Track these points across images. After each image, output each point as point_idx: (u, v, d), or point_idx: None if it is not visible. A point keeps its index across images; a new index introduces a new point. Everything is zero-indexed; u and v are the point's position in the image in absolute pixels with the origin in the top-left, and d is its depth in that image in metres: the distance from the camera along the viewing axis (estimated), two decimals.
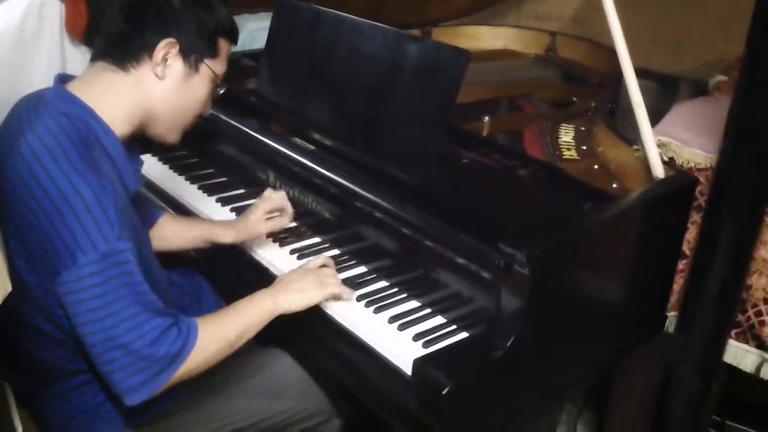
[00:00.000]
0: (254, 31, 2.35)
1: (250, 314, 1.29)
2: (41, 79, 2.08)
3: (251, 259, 1.56)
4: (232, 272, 1.58)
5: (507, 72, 2.27)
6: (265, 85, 1.83)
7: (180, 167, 1.92)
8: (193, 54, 1.28)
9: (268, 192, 1.60)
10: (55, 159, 1.13)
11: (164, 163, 1.95)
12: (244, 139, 1.77)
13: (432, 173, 1.44)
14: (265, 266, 1.54)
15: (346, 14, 1.66)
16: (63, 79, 1.28)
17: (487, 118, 1.87)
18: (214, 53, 1.32)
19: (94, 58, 1.28)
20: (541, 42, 2.49)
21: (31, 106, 1.22)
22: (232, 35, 1.37)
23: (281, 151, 1.66)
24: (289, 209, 1.59)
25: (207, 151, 1.94)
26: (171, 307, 1.22)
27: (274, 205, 1.57)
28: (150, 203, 1.73)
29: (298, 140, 1.66)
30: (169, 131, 1.34)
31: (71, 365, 1.28)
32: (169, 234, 1.58)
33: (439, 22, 2.63)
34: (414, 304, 1.40)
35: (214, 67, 1.32)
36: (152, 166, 1.93)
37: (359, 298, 1.40)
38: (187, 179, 1.87)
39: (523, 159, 1.61)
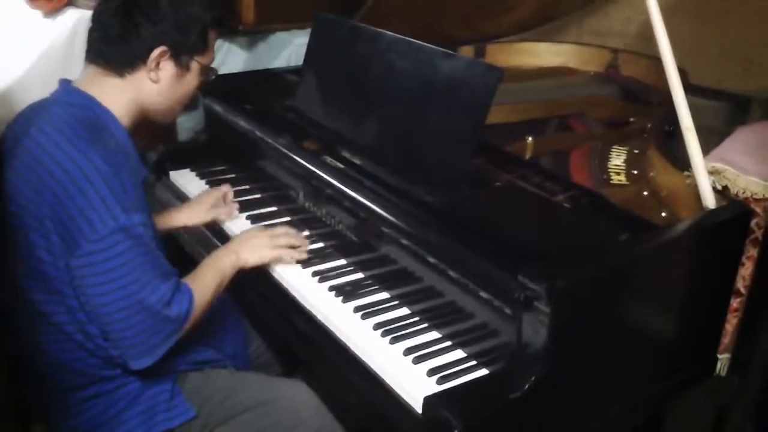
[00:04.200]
0: (301, 47, 2.32)
1: (222, 268, 1.40)
2: None
3: (272, 278, 1.51)
4: (253, 288, 1.54)
5: (561, 90, 2.16)
6: (301, 100, 1.79)
7: (216, 183, 1.89)
8: (183, 55, 1.34)
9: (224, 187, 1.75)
10: (67, 137, 1.20)
11: (201, 178, 1.93)
12: (277, 156, 1.73)
13: (458, 196, 1.36)
14: (285, 287, 1.48)
15: (382, 30, 1.60)
16: (66, 81, 1.34)
17: (530, 138, 1.78)
18: (203, 48, 1.37)
19: (89, 59, 1.32)
20: (601, 59, 2.37)
21: (37, 105, 1.31)
22: (218, 23, 1.41)
23: (310, 169, 1.61)
24: (230, 203, 1.72)
25: (245, 167, 1.92)
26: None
27: (219, 193, 1.72)
28: None
29: (328, 158, 1.61)
30: (164, 118, 1.43)
31: (102, 371, 1.29)
32: None
33: (496, 38, 2.54)
34: (433, 335, 1.31)
35: (203, 60, 1.39)
36: (189, 181, 1.92)
37: (376, 327, 1.33)
38: None
39: (562, 183, 1.50)
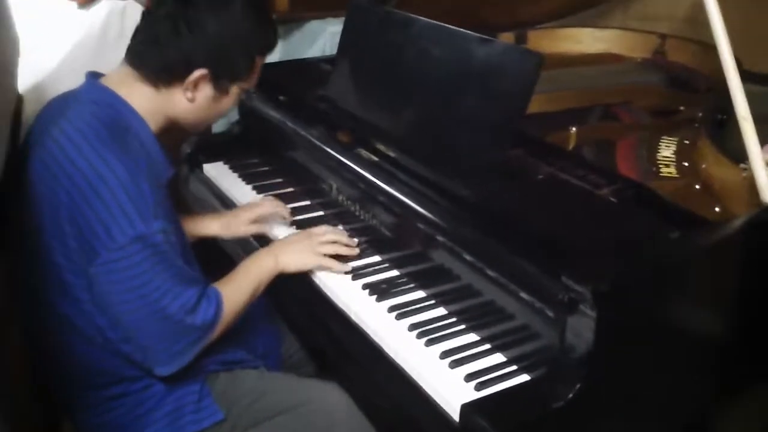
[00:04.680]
0: (336, 35, 2.27)
1: (259, 272, 1.36)
2: None
3: (307, 277, 1.47)
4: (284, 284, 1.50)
5: (606, 77, 2.07)
6: (334, 90, 1.74)
7: (249, 176, 1.86)
8: (224, 79, 1.29)
9: (261, 199, 1.65)
10: (88, 140, 1.16)
11: (234, 171, 1.90)
12: (310, 148, 1.69)
13: (497, 190, 1.30)
14: (317, 283, 1.44)
15: (417, 16, 1.54)
16: (93, 75, 1.29)
17: (574, 129, 1.70)
18: (247, 74, 1.32)
19: (127, 59, 1.27)
20: (648, 44, 2.27)
21: (62, 100, 1.26)
22: (269, 50, 1.36)
23: (342, 162, 1.56)
24: (281, 215, 1.60)
25: (279, 159, 1.87)
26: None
27: (262, 212, 1.59)
28: None
29: (362, 151, 1.55)
30: (194, 130, 1.40)
31: (127, 371, 1.26)
32: None
33: (537, 23, 2.46)
34: (471, 337, 1.25)
35: (244, 85, 1.34)
36: (222, 174, 1.89)
37: (411, 327, 1.27)
38: (254, 188, 1.81)
39: (608, 176, 1.42)
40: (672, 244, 1.16)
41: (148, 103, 1.25)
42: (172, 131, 1.39)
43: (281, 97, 1.89)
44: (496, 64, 1.34)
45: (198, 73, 1.24)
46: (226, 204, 1.79)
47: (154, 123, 1.27)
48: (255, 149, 1.95)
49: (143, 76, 1.24)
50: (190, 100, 1.27)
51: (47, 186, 1.17)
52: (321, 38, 2.26)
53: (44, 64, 2.04)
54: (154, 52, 1.23)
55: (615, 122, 1.85)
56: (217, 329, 1.26)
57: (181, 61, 1.23)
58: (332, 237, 1.45)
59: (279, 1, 2.18)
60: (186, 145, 1.98)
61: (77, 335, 1.23)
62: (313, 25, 2.29)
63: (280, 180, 1.84)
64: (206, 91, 1.27)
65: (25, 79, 1.92)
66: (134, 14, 2.08)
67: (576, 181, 1.40)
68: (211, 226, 1.60)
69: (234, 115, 2.09)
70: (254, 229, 1.59)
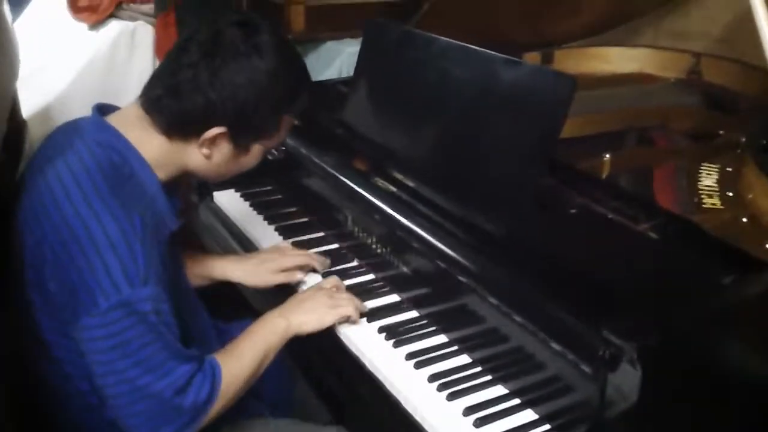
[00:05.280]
0: (353, 56, 2.18)
1: (267, 339, 1.21)
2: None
3: None
4: None
5: (638, 98, 1.96)
6: (351, 114, 1.64)
7: (260, 204, 1.77)
8: (244, 138, 1.16)
9: (290, 248, 1.50)
10: (81, 188, 1.04)
11: (245, 200, 1.80)
12: (324, 176, 1.59)
13: (525, 225, 1.18)
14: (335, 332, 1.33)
15: (438, 36, 1.44)
16: (102, 108, 1.17)
17: (608, 156, 1.58)
18: (272, 133, 1.19)
19: (140, 100, 1.14)
20: (682, 64, 2.15)
21: (67, 133, 1.14)
22: (300, 111, 1.25)
23: (357, 191, 1.45)
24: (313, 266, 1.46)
25: (293, 187, 1.77)
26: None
27: (294, 264, 1.44)
28: None
29: (378, 180, 1.45)
30: (212, 181, 1.25)
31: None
32: None
33: (564, 42, 2.35)
34: (498, 390, 1.13)
35: (268, 144, 1.22)
36: (232, 202, 1.79)
37: (431, 378, 1.16)
38: (265, 219, 1.71)
39: (647, 208, 1.30)
40: (725, 290, 1.03)
41: (159, 151, 1.13)
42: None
43: (295, 122, 1.79)
44: (526, 88, 1.23)
45: (216, 130, 1.11)
46: (236, 236, 1.69)
47: (164, 172, 1.14)
48: (268, 176, 1.85)
49: (156, 123, 1.12)
50: (207, 157, 1.14)
51: (33, 235, 1.06)
52: (338, 59, 2.18)
53: (51, 87, 1.98)
54: (171, 102, 1.10)
55: (651, 148, 1.73)
56: (212, 409, 1.11)
57: (200, 115, 1.10)
58: (348, 296, 1.32)
59: (295, 21, 2.10)
60: None
61: (58, 397, 1.13)
62: (330, 46, 2.21)
63: (293, 210, 1.74)
64: (224, 148, 1.15)
65: (31, 103, 1.86)
66: (145, 35, 2.02)
67: (612, 215, 1.29)
68: (235, 272, 1.46)
69: None
70: (281, 278, 1.43)
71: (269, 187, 1.83)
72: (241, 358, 1.17)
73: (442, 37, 1.42)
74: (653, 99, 1.95)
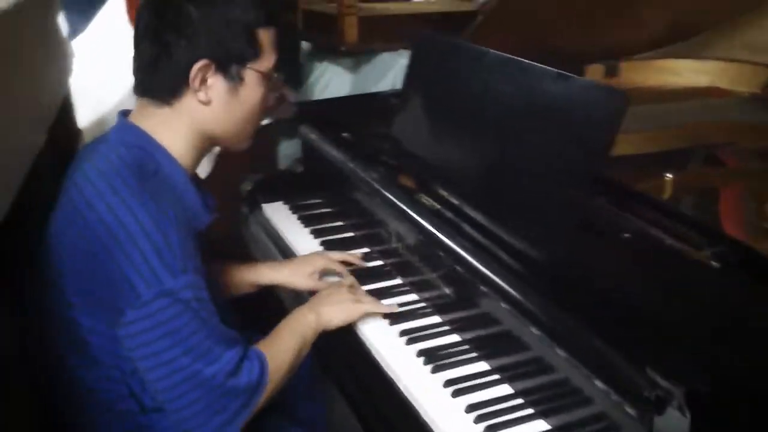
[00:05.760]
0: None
1: (301, 331, 1.24)
2: None
3: (353, 333, 1.32)
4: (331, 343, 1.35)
5: (707, 114, 1.84)
6: (397, 128, 1.60)
7: (308, 218, 1.74)
8: (232, 65, 1.13)
9: (323, 254, 1.52)
10: (110, 185, 1.05)
11: (293, 212, 1.78)
12: (370, 192, 1.55)
13: (572, 250, 1.11)
14: (367, 347, 1.28)
15: (487, 49, 1.38)
16: (125, 114, 1.18)
17: (670, 175, 1.49)
18: (255, 52, 1.14)
19: (136, 92, 1.16)
20: (758, 77, 2.03)
21: (95, 141, 1.17)
22: (271, 20, 1.17)
23: (401, 208, 1.41)
24: (341, 271, 1.47)
25: (340, 201, 1.75)
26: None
27: (326, 266, 1.47)
28: None
29: (422, 197, 1.40)
30: (238, 142, 1.23)
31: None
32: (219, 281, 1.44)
33: (630, 54, 2.25)
34: (540, 426, 1.07)
35: (260, 66, 1.15)
36: (280, 215, 1.78)
37: (469, 409, 1.10)
38: (311, 232, 1.68)
39: (710, 234, 1.21)
40: None
41: (173, 128, 1.13)
42: (237, 156, 1.31)
43: (345, 134, 1.77)
44: (574, 103, 1.16)
45: (197, 65, 1.09)
46: (281, 248, 1.67)
47: (188, 154, 1.15)
48: (317, 189, 1.83)
49: (155, 100, 1.13)
50: (206, 103, 1.12)
51: (69, 238, 1.07)
52: (392, 71, 2.13)
53: (109, 98, 2.01)
54: (152, 71, 1.11)
55: (718, 167, 1.62)
56: (264, 393, 1.12)
57: (179, 64, 1.09)
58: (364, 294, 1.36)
59: (348, 33, 2.07)
60: (246, 183, 1.89)
61: (96, 403, 1.12)
62: (384, 58, 2.17)
63: (340, 224, 1.71)
64: (218, 85, 1.12)
65: (86, 116, 1.89)
66: None
67: (671, 241, 1.20)
68: (275, 274, 1.48)
69: (297, 152, 1.99)
70: (321, 283, 1.45)
71: (318, 200, 1.81)
72: (282, 347, 1.19)
73: (491, 50, 1.36)
74: (724, 115, 1.84)
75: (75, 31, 2.08)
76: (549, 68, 1.23)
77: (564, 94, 1.19)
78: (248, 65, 1.13)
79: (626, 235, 1.21)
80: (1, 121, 1.00)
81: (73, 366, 1.11)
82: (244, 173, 1.93)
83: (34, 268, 1.11)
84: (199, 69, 1.10)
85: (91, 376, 1.11)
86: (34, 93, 1.19)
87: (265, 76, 1.16)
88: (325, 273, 1.48)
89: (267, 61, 1.16)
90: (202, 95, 1.12)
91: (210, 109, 1.13)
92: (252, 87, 1.15)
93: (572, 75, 1.19)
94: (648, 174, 1.51)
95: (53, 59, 1.38)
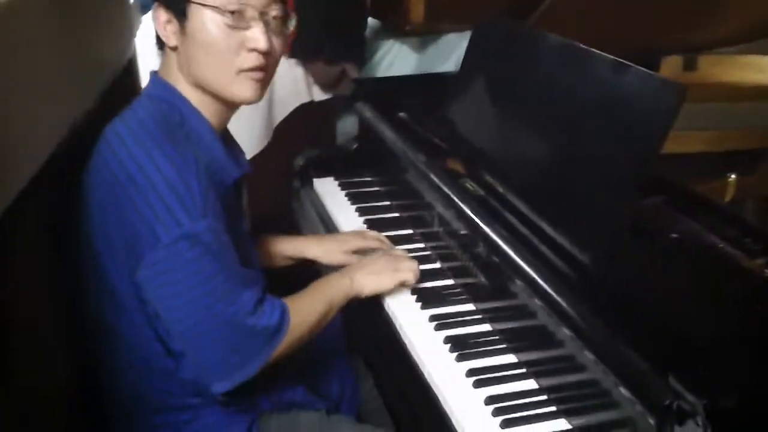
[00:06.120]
0: None
1: (331, 292, 1.24)
2: None
3: (383, 313, 1.31)
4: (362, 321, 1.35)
5: None
6: (453, 111, 1.57)
7: (356, 195, 1.73)
8: (175, 4, 1.09)
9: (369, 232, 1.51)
10: (135, 135, 1.07)
11: (342, 189, 1.77)
12: (417, 174, 1.52)
13: (615, 250, 1.06)
14: (395, 327, 1.27)
15: (545, 33, 1.33)
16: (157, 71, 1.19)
17: (733, 176, 1.41)
18: None
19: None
20: None
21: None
22: None
23: (444, 192, 1.38)
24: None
25: (390, 181, 1.73)
26: None
27: (369, 245, 1.47)
28: None
29: (468, 182, 1.37)
30: (222, 88, 1.12)
31: (171, 399, 1.16)
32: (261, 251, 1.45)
33: (710, 48, 2.13)
34: (560, 425, 1.03)
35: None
36: (329, 191, 1.77)
37: (488, 401, 1.07)
38: (357, 210, 1.67)
39: (766, 241, 1.14)
40: None
41: (183, 83, 1.13)
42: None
43: (402, 114, 1.75)
44: (630, 94, 1.11)
45: (154, 11, 1.10)
46: (325, 223, 1.67)
47: (208, 109, 1.14)
48: (368, 168, 1.82)
49: (161, 50, 1.15)
50: (173, 48, 1.11)
51: (97, 189, 1.10)
52: (456, 52, 2.09)
53: None
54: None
55: None
56: (281, 343, 1.11)
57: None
58: (410, 264, 1.34)
59: (414, 12, 2.02)
60: (300, 158, 1.89)
61: (123, 349, 1.14)
62: (450, 38, 2.12)
63: (387, 203, 1.69)
64: (173, 26, 1.10)
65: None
66: None
67: (724, 246, 1.14)
68: (312, 250, 1.49)
69: (356, 129, 1.98)
70: (355, 260, 1.44)
71: (367, 179, 1.80)
72: (308, 303, 1.19)
73: (549, 35, 1.31)
74: None
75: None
76: (606, 55, 1.17)
77: (619, 84, 1.13)
78: (192, 0, 1.07)
79: (674, 236, 1.15)
80: (49, 78, 1.03)
81: (102, 311, 1.14)
82: (302, 148, 1.94)
83: (71, 219, 1.13)
84: (156, 13, 1.11)
85: (118, 321, 1.13)
86: (87, 54, 1.21)
87: (215, 9, 1.07)
88: (360, 252, 1.47)
89: None
90: (168, 40, 1.12)
91: (182, 53, 1.11)
92: (200, 23, 1.08)
93: (630, 64, 1.13)
94: (711, 174, 1.44)
95: (115, 23, 1.40)
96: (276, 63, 1.16)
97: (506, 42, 1.44)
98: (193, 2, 1.07)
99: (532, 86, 1.31)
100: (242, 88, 1.12)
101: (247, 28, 1.09)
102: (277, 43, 1.13)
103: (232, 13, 1.07)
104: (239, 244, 1.13)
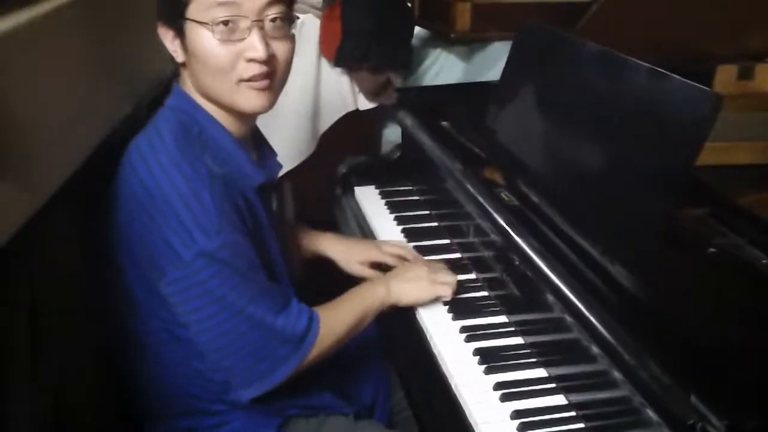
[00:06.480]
0: None
1: (366, 300, 1.24)
2: (298, 98, 2.08)
3: (414, 321, 1.30)
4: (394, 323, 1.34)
5: None
6: (492, 119, 1.56)
7: (395, 204, 1.73)
8: (175, 21, 1.09)
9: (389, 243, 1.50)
10: (153, 148, 1.08)
11: (382, 197, 1.78)
12: (454, 182, 1.51)
13: (647, 264, 1.03)
14: (426, 337, 1.26)
15: (586, 41, 1.30)
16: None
17: None
18: (181, 2, 1.06)
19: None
20: None
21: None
22: None
23: (479, 201, 1.37)
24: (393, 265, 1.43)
25: (430, 190, 1.72)
26: None
27: (377, 259, 1.45)
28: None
29: (504, 193, 1.35)
30: (234, 99, 1.10)
31: (200, 403, 1.18)
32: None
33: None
34: None
35: (193, 15, 1.06)
36: (369, 198, 1.78)
37: (515, 415, 1.05)
38: (395, 219, 1.67)
39: None
40: None
41: (198, 95, 1.13)
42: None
43: (444, 123, 1.74)
44: (665, 103, 1.07)
45: (159, 29, 1.12)
46: (364, 231, 1.68)
47: (226, 119, 1.14)
48: (409, 176, 1.82)
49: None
50: (182, 64, 1.12)
51: (121, 203, 1.11)
52: (502, 61, 2.06)
53: None
54: None
55: None
56: (311, 350, 1.12)
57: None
58: (448, 277, 1.32)
59: (460, 20, 2.03)
60: (342, 166, 1.91)
61: (149, 357, 1.17)
62: (497, 47, 2.11)
63: (426, 213, 1.69)
64: (175, 42, 1.10)
65: None
66: (311, 29, 2.06)
67: (758, 262, 1.09)
68: (330, 249, 1.49)
69: (398, 138, 1.99)
70: (367, 272, 1.44)
71: (408, 187, 1.80)
72: (339, 313, 1.19)
73: (589, 42, 1.29)
74: None
75: None
76: (642, 63, 1.14)
77: (654, 92, 1.10)
78: (186, 17, 1.07)
79: (712, 250, 1.10)
80: (85, 87, 1.06)
81: (127, 320, 1.16)
82: (346, 157, 1.95)
83: (99, 230, 1.16)
84: (160, 31, 1.12)
85: (143, 330, 1.15)
86: (126, 64, 1.24)
87: (203, 25, 1.06)
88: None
89: (197, 8, 1.06)
90: (176, 56, 1.12)
91: (189, 68, 1.11)
92: (195, 38, 1.07)
93: (666, 72, 1.10)
94: (761, 187, 1.38)
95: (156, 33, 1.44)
96: (285, 68, 1.13)
97: (545, 49, 1.42)
98: (187, 19, 1.07)
99: (568, 95, 1.29)
100: (246, 98, 1.10)
101: (242, 39, 1.06)
102: (280, 46, 1.10)
103: (226, 24, 1.05)
104: (264, 250, 1.14)
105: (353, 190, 1.84)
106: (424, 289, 1.29)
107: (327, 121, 2.14)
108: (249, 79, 1.08)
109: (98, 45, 1.12)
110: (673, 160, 1.03)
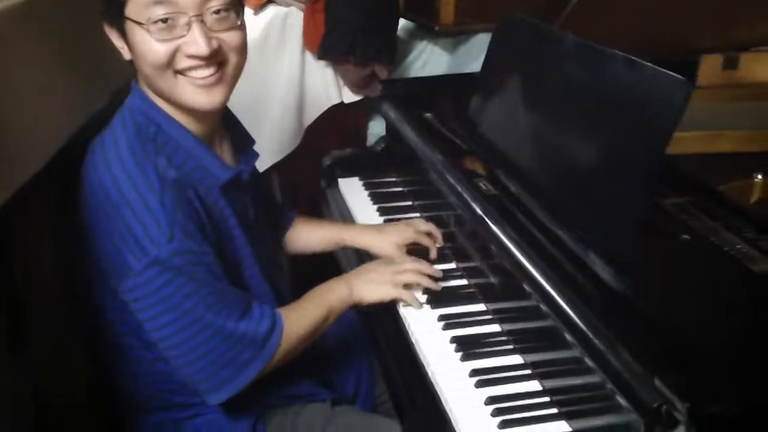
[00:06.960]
0: None
1: (328, 299, 1.21)
2: (283, 90, 2.08)
3: (393, 308, 1.31)
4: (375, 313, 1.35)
5: None
6: (473, 110, 1.56)
7: (378, 195, 1.74)
8: (114, 21, 1.07)
9: (412, 225, 1.45)
10: (104, 154, 1.06)
11: (365, 189, 1.78)
12: (433, 173, 1.52)
13: (620, 251, 1.03)
14: (403, 323, 1.27)
15: (562, 32, 1.31)
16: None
17: (760, 176, 1.35)
18: (119, 2, 1.04)
19: None
20: None
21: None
22: None
23: (457, 191, 1.37)
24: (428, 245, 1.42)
25: (412, 181, 1.73)
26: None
27: (414, 240, 1.42)
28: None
29: (482, 182, 1.35)
30: (180, 97, 1.07)
31: (173, 396, 1.19)
32: (301, 236, 1.48)
33: (753, 46, 2.06)
34: (553, 428, 1.01)
35: (130, 14, 1.03)
36: (352, 190, 1.79)
37: (489, 401, 1.06)
38: (378, 210, 1.68)
39: None
40: None
41: (153, 93, 1.11)
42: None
43: (427, 114, 1.74)
44: (638, 91, 1.08)
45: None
46: (346, 221, 1.68)
47: (183, 118, 1.11)
48: (392, 168, 1.83)
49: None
50: (127, 58, 1.09)
51: (84, 201, 1.10)
52: (484, 53, 2.07)
53: None
54: None
55: None
56: (276, 352, 1.11)
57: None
58: (414, 266, 1.29)
59: (444, 13, 2.03)
60: (327, 158, 1.91)
61: (121, 357, 1.17)
62: (481, 39, 2.11)
63: (408, 203, 1.69)
64: (118, 38, 1.08)
65: None
66: (295, 22, 2.06)
67: (741, 246, 1.10)
68: (365, 238, 1.45)
69: (383, 129, 1.99)
70: (401, 254, 1.40)
71: (391, 179, 1.81)
72: (303, 313, 1.17)
73: (567, 34, 1.29)
74: None
75: None
76: (616, 52, 1.14)
77: (628, 81, 1.11)
78: (125, 16, 1.04)
79: (685, 236, 1.11)
80: (58, 78, 1.06)
81: (97, 321, 1.16)
82: (332, 149, 1.95)
83: (72, 223, 1.14)
84: (106, 30, 1.09)
85: (112, 332, 1.15)
86: (100, 56, 1.24)
87: (139, 25, 1.03)
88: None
89: (134, 7, 1.03)
90: (125, 54, 1.09)
91: (137, 66, 1.09)
92: (133, 36, 1.05)
93: (639, 60, 1.10)
94: (738, 174, 1.39)
95: None
96: (238, 57, 1.09)
97: (524, 41, 1.43)
98: (127, 19, 1.04)
99: (545, 85, 1.30)
100: (189, 94, 1.06)
101: (182, 36, 1.03)
102: (228, 37, 1.06)
103: (165, 21, 1.02)
104: (229, 252, 1.13)
105: (337, 182, 1.85)
106: (387, 291, 1.26)
107: (312, 113, 2.14)
108: (189, 69, 1.05)
109: (73, 37, 1.12)
110: (646, 146, 1.04)
